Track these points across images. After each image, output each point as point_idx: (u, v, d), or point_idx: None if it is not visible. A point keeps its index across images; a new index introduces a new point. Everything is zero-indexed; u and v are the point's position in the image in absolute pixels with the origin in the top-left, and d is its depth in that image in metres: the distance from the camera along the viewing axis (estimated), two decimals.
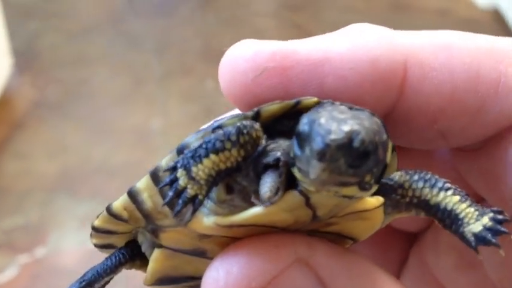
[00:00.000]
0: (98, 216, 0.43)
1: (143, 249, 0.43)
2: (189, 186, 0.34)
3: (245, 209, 0.35)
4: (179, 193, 0.34)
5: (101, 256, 0.47)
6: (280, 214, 0.35)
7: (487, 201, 0.44)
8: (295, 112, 0.36)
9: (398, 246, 0.56)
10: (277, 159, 0.34)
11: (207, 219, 0.36)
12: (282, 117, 0.37)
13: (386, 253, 0.55)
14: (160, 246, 0.41)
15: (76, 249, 1.80)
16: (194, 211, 0.35)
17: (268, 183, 0.34)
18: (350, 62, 0.39)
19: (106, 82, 2.79)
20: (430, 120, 0.41)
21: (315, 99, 0.37)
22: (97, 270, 0.44)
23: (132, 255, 0.44)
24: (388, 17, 3.56)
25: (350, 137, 0.31)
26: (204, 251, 0.39)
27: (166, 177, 0.35)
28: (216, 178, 0.35)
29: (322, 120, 0.31)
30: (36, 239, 1.91)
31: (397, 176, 0.39)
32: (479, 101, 0.39)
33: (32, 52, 3.00)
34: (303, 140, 0.32)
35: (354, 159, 0.31)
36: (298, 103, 0.36)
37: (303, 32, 3.26)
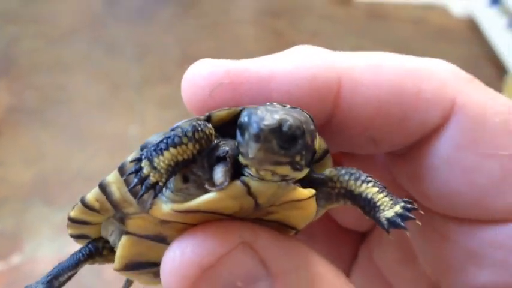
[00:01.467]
0: (73, 208, 0.49)
1: (111, 239, 0.49)
2: (151, 174, 0.40)
3: (199, 196, 0.40)
4: (143, 180, 0.40)
5: None
6: (227, 201, 0.40)
7: (415, 198, 0.50)
8: None
9: (348, 245, 0.62)
10: (226, 152, 0.41)
11: (165, 206, 0.42)
12: (231, 123, 0.43)
13: (338, 251, 0.62)
14: (127, 233, 0.46)
15: (52, 256, 1.79)
16: (155, 196, 0.41)
17: (220, 171, 0.40)
18: (292, 80, 0.46)
19: (84, 88, 2.77)
20: (361, 129, 0.47)
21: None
22: (61, 266, 0.51)
23: (91, 254, 0.51)
24: (365, 25, 3.60)
25: (280, 123, 0.38)
26: (164, 237, 0.45)
27: (132, 167, 0.41)
28: (175, 168, 0.41)
29: (259, 112, 0.38)
30: (12, 246, 1.89)
31: (327, 171, 0.46)
32: (402, 113, 0.46)
33: (9, 57, 2.98)
34: (243, 128, 0.39)
35: (283, 141, 0.38)
36: (243, 110, 0.42)
37: (282, 39, 3.28)
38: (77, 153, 2.33)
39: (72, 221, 0.50)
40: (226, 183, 0.39)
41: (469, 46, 3.36)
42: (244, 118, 0.39)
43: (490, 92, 0.48)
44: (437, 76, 0.47)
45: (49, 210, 2.02)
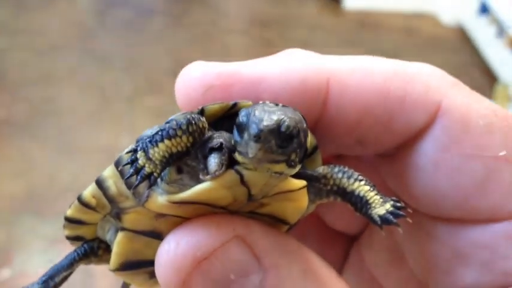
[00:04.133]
0: (70, 206, 0.50)
1: (108, 237, 0.50)
2: (146, 165, 0.42)
3: (192, 187, 0.42)
4: (138, 170, 0.42)
5: None
6: (221, 190, 0.41)
7: (402, 198, 0.51)
8: (234, 114, 0.44)
9: (339, 247, 0.64)
10: (221, 143, 0.42)
11: (160, 198, 0.43)
12: (223, 118, 0.45)
13: (329, 253, 0.63)
14: (123, 229, 0.47)
15: (42, 270, 1.76)
16: (150, 186, 0.42)
17: (214, 161, 0.41)
18: (282, 81, 0.47)
19: (74, 100, 2.76)
20: (349, 130, 0.49)
21: (250, 103, 0.45)
22: (57, 266, 0.53)
23: (87, 253, 0.53)
24: (355, 35, 3.61)
25: (279, 124, 0.39)
26: (160, 233, 0.45)
27: (127, 158, 0.43)
28: (169, 159, 0.42)
29: (257, 113, 0.40)
30: (1, 260, 1.87)
31: (320, 168, 0.48)
32: (388, 114, 0.47)
33: None
34: (241, 129, 0.40)
35: (282, 141, 0.40)
36: (235, 105, 0.45)
37: (272, 49, 3.26)
38: (67, 165, 2.32)
39: (69, 220, 0.51)
40: (220, 171, 0.41)
41: (459, 54, 3.38)
42: (242, 118, 0.40)
43: (475, 95, 0.49)
44: (423, 79, 0.48)
45: (39, 223, 2.01)
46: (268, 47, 3.29)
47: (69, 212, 0.51)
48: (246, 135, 0.40)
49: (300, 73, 0.47)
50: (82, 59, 3.11)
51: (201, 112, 0.44)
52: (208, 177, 0.41)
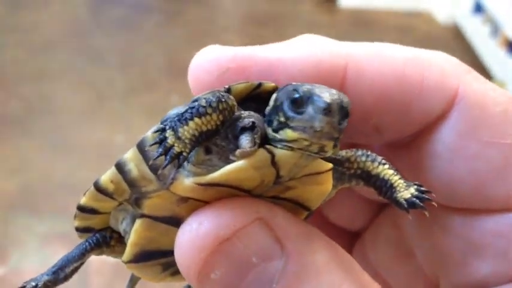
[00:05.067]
0: (84, 194, 0.48)
1: (123, 227, 0.49)
2: (175, 144, 0.40)
3: (221, 168, 0.41)
4: (167, 150, 0.40)
5: None
6: (251, 171, 0.41)
7: None
8: (256, 95, 0.44)
9: (342, 244, 0.64)
10: (253, 122, 0.41)
11: (187, 180, 0.42)
12: (246, 100, 0.44)
13: None
14: (142, 216, 0.46)
15: (38, 268, 1.77)
16: (179, 166, 0.41)
17: (246, 139, 0.41)
18: (299, 65, 0.47)
19: (69, 98, 2.76)
20: (365, 116, 0.48)
21: (273, 84, 0.44)
22: (67, 257, 0.51)
23: (99, 243, 0.51)
24: (351, 33, 3.62)
25: (341, 99, 0.39)
26: (179, 219, 0.44)
27: (156, 137, 0.41)
28: (199, 138, 0.41)
29: (316, 89, 0.40)
30: None
31: (343, 152, 0.47)
32: (405, 100, 0.47)
33: None
34: (299, 103, 0.40)
35: (342, 117, 0.39)
36: (260, 85, 0.44)
37: None
38: (62, 163, 2.31)
39: (82, 209, 0.49)
40: (254, 147, 0.40)
41: (454, 53, 3.31)
42: (301, 93, 0.40)
43: (489, 83, 0.49)
44: (439, 65, 0.48)
45: (34, 221, 2.00)
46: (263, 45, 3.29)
47: (84, 200, 0.48)
48: (310, 109, 0.39)
49: (317, 56, 0.47)
50: (77, 57, 3.11)
51: (228, 91, 0.43)
52: (239, 152, 0.40)
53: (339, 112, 0.39)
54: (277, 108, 0.41)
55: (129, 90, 2.83)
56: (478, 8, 3.38)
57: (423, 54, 0.49)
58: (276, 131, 0.41)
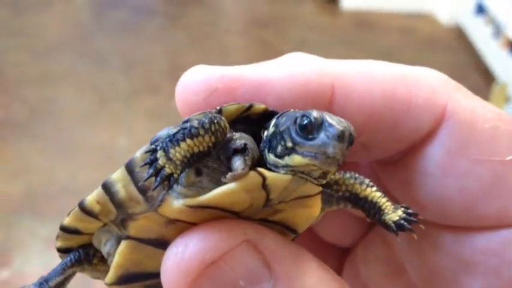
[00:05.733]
0: (68, 214, 0.47)
1: (106, 249, 0.47)
2: (166, 165, 0.40)
3: (211, 190, 0.40)
4: (158, 171, 0.40)
5: None
6: (241, 194, 0.40)
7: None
8: (246, 117, 0.44)
9: (332, 260, 0.62)
10: (245, 144, 0.41)
11: (176, 202, 0.41)
12: (235, 121, 0.44)
13: None
14: (127, 238, 0.45)
15: (41, 271, 1.76)
16: (169, 188, 0.40)
17: (239, 160, 0.40)
18: (287, 84, 0.46)
19: (71, 101, 2.76)
20: None
21: (264, 106, 0.44)
22: (52, 271, 0.51)
23: (80, 259, 0.50)
24: (353, 35, 3.62)
25: (349, 126, 0.40)
26: (166, 241, 0.43)
27: (146, 158, 0.41)
28: (190, 160, 0.40)
29: (327, 116, 0.40)
30: (0, 261, 1.87)
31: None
32: (394, 118, 0.47)
33: None
34: (309, 130, 0.40)
35: (348, 145, 0.40)
36: (251, 106, 0.44)
37: (269, 49, 3.28)
38: (65, 166, 2.32)
39: (65, 230, 0.48)
40: (247, 169, 0.40)
41: (456, 54, 3.39)
42: (312, 118, 0.40)
43: (479, 99, 0.48)
44: (428, 83, 0.47)
45: (37, 224, 2.01)
46: (266, 47, 3.30)
47: (67, 221, 0.47)
48: (323, 135, 0.39)
49: (304, 76, 0.46)
50: (79, 60, 3.12)
51: (219, 112, 0.43)
52: (230, 175, 0.39)
53: (348, 139, 0.40)
54: (281, 133, 0.41)
55: (131, 93, 2.83)
56: (480, 9, 3.38)
57: (412, 72, 0.48)
58: (280, 156, 0.41)
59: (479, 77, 3.12)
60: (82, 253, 0.50)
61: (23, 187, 2.19)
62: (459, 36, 3.60)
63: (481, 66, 3.19)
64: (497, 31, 3.13)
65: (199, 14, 3.74)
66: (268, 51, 3.19)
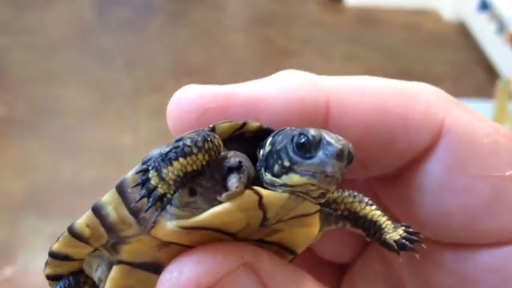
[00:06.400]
0: (57, 240, 0.45)
1: (97, 275, 0.46)
2: (159, 185, 0.39)
3: (206, 210, 0.39)
4: (150, 192, 0.39)
5: None
6: (237, 213, 0.39)
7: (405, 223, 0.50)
8: (239, 136, 0.43)
9: (330, 277, 0.61)
10: (240, 162, 0.40)
11: (169, 223, 0.40)
12: (229, 139, 0.43)
13: (322, 282, 0.60)
14: (119, 262, 0.43)
15: None
16: (162, 210, 0.39)
17: (234, 179, 0.39)
18: (281, 102, 0.45)
19: (75, 99, 2.76)
20: None
21: (258, 123, 0.43)
22: None
23: (70, 287, 0.48)
24: (356, 32, 3.61)
25: (348, 144, 0.39)
26: (159, 265, 0.42)
27: (138, 178, 0.39)
28: (183, 179, 0.39)
29: (325, 134, 0.39)
30: (5, 258, 1.88)
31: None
32: (390, 133, 0.46)
33: (0, 68, 2.96)
34: (307, 148, 0.39)
35: (347, 163, 0.39)
36: (245, 124, 0.43)
37: (273, 46, 3.28)
38: (69, 164, 2.32)
39: (54, 256, 0.46)
40: (242, 187, 0.39)
41: (461, 51, 3.38)
42: (310, 137, 0.39)
43: (476, 113, 0.47)
44: (424, 97, 0.47)
45: (41, 222, 2.01)
46: (269, 45, 3.29)
47: (56, 246, 0.46)
48: (321, 154, 0.38)
49: (298, 93, 0.46)
50: (83, 58, 3.12)
51: (212, 130, 0.42)
52: (226, 195, 0.38)
53: (347, 157, 0.39)
54: (278, 152, 0.40)
55: (135, 91, 2.83)
56: (484, 5, 3.37)
57: (407, 87, 0.48)
58: (277, 175, 0.40)
59: (483, 73, 3.11)
60: (72, 280, 0.48)
61: (28, 185, 2.19)
62: (463, 32, 3.59)
63: (485, 62, 3.18)
64: (501, 27, 3.12)
65: (202, 12, 3.73)
66: (272, 49, 3.20)
